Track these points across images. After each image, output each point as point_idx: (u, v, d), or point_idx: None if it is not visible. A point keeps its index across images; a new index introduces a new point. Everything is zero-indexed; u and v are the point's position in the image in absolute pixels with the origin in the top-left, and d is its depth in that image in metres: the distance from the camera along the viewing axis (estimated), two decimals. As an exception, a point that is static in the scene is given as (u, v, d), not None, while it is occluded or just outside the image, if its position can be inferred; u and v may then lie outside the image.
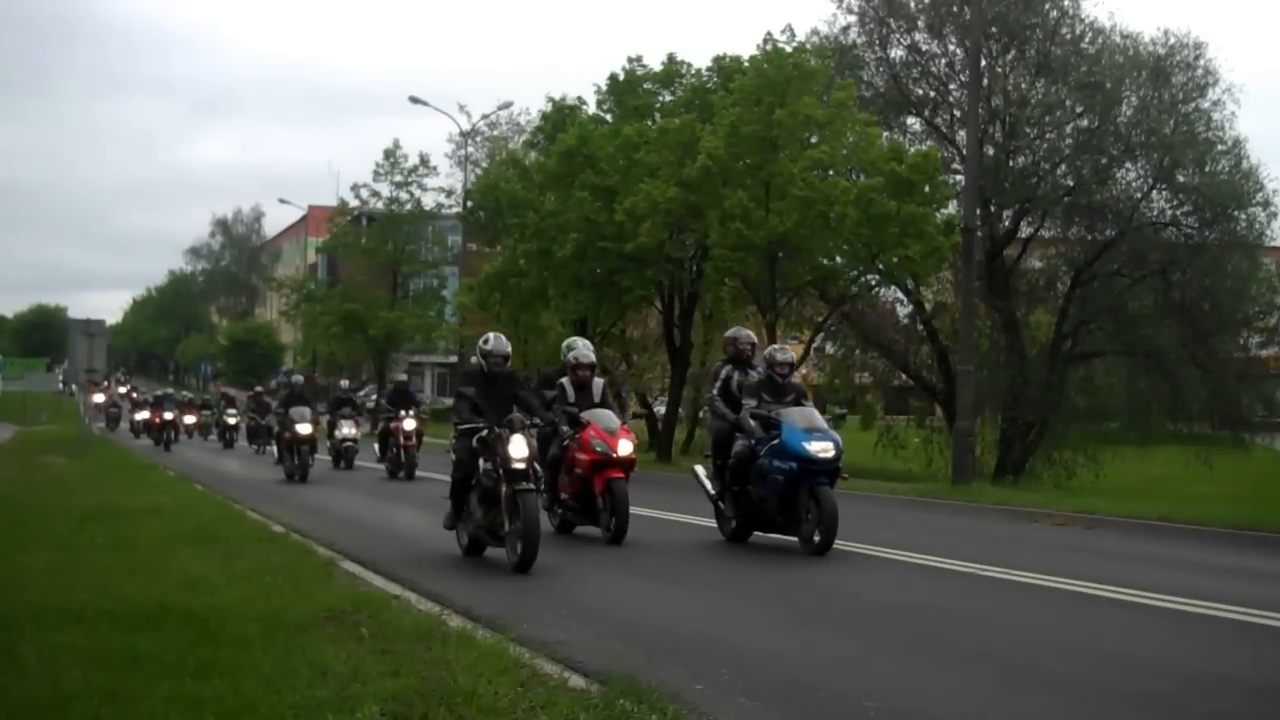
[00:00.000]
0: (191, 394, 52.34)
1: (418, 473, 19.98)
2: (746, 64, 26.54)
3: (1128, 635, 6.97)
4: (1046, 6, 28.60)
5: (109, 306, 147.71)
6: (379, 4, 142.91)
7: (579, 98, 31.36)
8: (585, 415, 11.13)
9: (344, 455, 22.44)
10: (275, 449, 22.19)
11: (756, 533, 11.01)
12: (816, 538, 9.90)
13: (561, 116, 30.77)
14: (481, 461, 9.48)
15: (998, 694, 5.63)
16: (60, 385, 61.70)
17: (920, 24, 29.46)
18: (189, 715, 4.58)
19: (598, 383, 11.76)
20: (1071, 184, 28.74)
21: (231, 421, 33.71)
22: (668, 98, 29.70)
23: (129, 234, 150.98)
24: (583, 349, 11.89)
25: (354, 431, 22.59)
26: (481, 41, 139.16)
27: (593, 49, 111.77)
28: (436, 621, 6.47)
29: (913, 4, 29.40)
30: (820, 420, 10.32)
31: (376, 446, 22.15)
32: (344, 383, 24.93)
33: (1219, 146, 27.98)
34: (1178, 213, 28.88)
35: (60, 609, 6.44)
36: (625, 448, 10.98)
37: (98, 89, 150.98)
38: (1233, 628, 7.32)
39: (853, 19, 29.75)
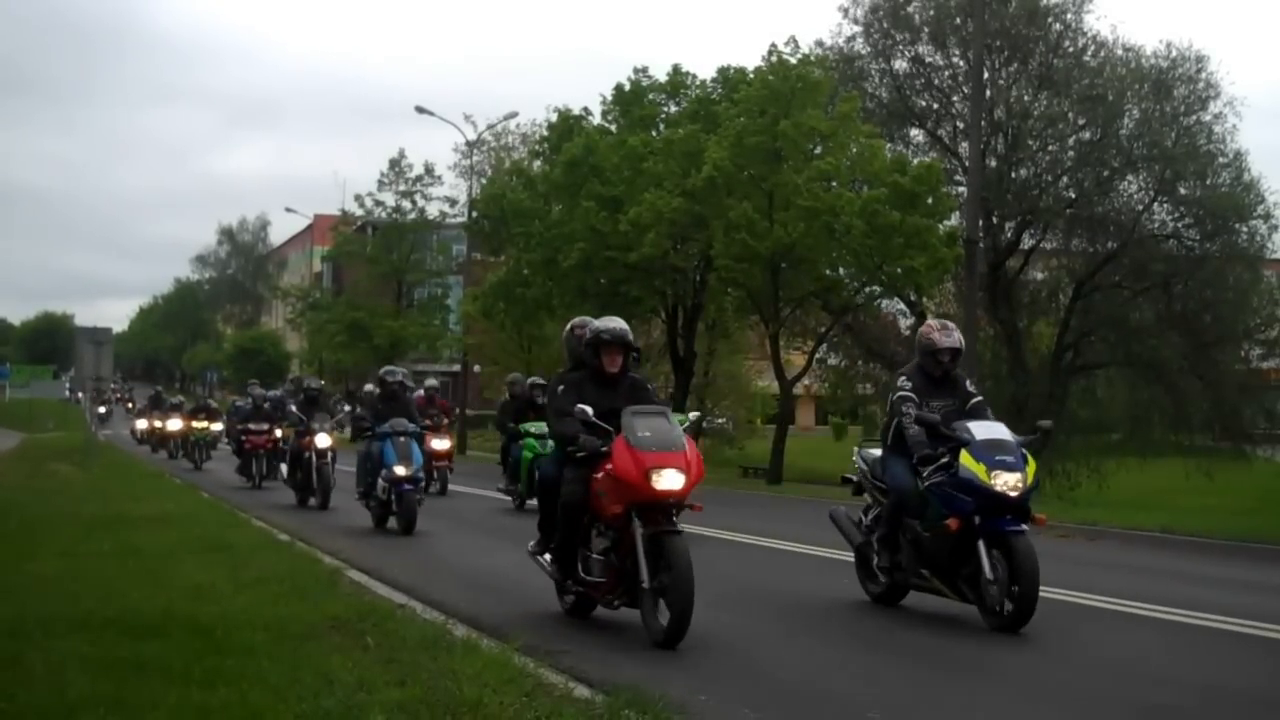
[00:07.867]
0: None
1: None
2: (751, 75, 26.62)
3: (1131, 648, 6.99)
4: (1049, 20, 28.67)
5: (120, 314, 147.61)
6: (393, 17, 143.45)
7: (584, 108, 31.48)
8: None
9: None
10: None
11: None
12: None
13: (567, 127, 30.82)
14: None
15: (1002, 707, 5.65)
16: (66, 393, 61.85)
17: (924, 36, 29.55)
18: (195, 723, 4.60)
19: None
20: (1073, 196, 28.78)
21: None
22: (673, 108, 29.79)
23: (151, 243, 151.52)
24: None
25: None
26: (490, 54, 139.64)
27: (598, 61, 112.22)
28: (442, 631, 6.48)
29: (917, 16, 29.49)
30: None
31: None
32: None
33: (1220, 159, 28.04)
34: (1179, 225, 28.92)
35: (67, 617, 6.44)
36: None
37: (133, 99, 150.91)
38: (1235, 640, 7.34)
39: (857, 30, 29.90)
